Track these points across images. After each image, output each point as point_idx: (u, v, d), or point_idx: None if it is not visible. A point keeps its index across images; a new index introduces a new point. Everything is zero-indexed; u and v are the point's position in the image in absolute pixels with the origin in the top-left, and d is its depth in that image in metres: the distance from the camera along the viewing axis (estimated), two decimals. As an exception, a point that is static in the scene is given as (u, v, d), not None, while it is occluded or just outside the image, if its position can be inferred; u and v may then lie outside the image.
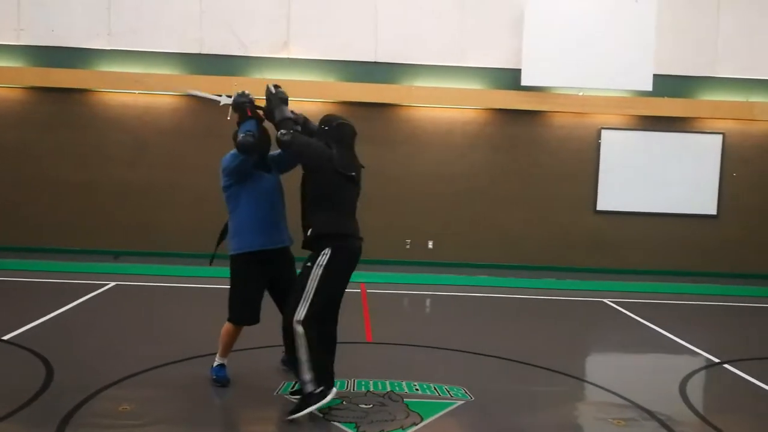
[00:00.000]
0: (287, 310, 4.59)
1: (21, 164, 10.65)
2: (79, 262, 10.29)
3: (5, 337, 6.10)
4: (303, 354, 4.42)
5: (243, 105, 5.04)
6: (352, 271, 4.74)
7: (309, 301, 4.47)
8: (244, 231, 4.88)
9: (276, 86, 4.91)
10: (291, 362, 4.69)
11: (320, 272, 4.50)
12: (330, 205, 4.62)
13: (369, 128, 11.12)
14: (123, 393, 4.87)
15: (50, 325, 6.75)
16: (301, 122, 4.94)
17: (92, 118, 10.90)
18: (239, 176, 4.89)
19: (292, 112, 4.89)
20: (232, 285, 5.02)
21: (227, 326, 5.06)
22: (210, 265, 5.31)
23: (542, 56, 10.67)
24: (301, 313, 4.46)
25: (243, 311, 4.98)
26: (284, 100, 4.85)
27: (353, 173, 4.71)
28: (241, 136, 4.87)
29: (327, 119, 4.83)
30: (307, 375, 4.43)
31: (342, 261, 4.60)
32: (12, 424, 4.27)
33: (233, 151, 4.93)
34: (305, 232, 4.66)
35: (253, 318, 5.02)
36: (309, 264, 4.57)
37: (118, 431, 4.27)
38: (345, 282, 4.73)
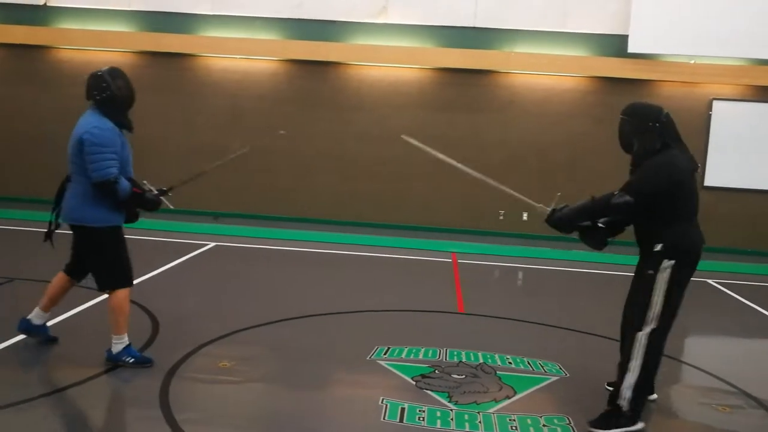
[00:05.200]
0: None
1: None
2: (182, 222, 10.69)
3: (115, 291, 6.43)
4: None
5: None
6: None
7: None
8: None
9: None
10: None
11: None
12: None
13: (465, 95, 10.98)
14: (222, 350, 5.05)
15: (156, 281, 7.07)
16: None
17: (196, 83, 11.25)
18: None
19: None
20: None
21: (125, 294, 4.62)
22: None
23: (652, 21, 10.13)
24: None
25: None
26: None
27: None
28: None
29: (648, 112, 4.34)
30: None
31: None
32: (122, 374, 4.50)
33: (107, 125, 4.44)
34: None
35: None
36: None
37: (219, 387, 4.43)
38: None
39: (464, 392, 4.48)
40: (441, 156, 4.88)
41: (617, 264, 9.51)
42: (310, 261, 8.80)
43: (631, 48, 10.25)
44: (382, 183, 11.11)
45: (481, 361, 5.12)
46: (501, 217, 10.99)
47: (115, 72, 4.51)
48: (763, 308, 7.53)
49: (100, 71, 4.49)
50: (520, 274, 9.08)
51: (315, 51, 10.82)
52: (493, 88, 10.92)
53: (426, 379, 4.66)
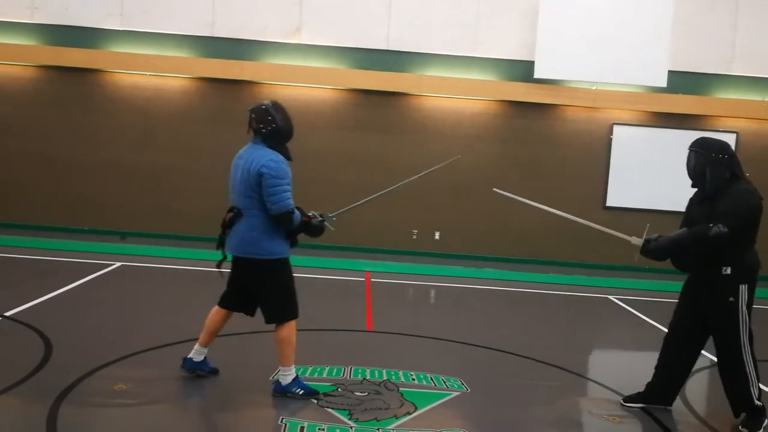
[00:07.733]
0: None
1: (31, 142, 10.68)
2: (87, 242, 10.33)
3: (7, 314, 6.15)
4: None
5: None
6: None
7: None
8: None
9: None
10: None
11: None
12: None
13: (378, 117, 11.12)
14: (119, 372, 4.90)
15: (53, 303, 6.80)
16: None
17: (103, 99, 10.93)
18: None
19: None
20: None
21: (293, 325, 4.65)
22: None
23: (556, 49, 10.56)
24: None
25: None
26: None
27: None
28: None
29: (718, 145, 4.67)
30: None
31: None
32: (8, 399, 4.30)
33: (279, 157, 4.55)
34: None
35: None
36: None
37: (111, 410, 4.29)
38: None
39: (365, 409, 4.50)
40: (533, 204, 5.30)
41: (528, 282, 9.82)
42: (218, 281, 8.63)
43: (537, 74, 10.64)
44: (297, 202, 11.05)
45: (385, 378, 5.16)
46: (414, 237, 11.15)
47: (278, 105, 4.61)
48: (657, 323, 7.90)
49: (264, 104, 4.60)
50: (431, 293, 9.22)
51: (228, 69, 10.73)
52: (405, 110, 11.10)
53: (328, 398, 4.66)
